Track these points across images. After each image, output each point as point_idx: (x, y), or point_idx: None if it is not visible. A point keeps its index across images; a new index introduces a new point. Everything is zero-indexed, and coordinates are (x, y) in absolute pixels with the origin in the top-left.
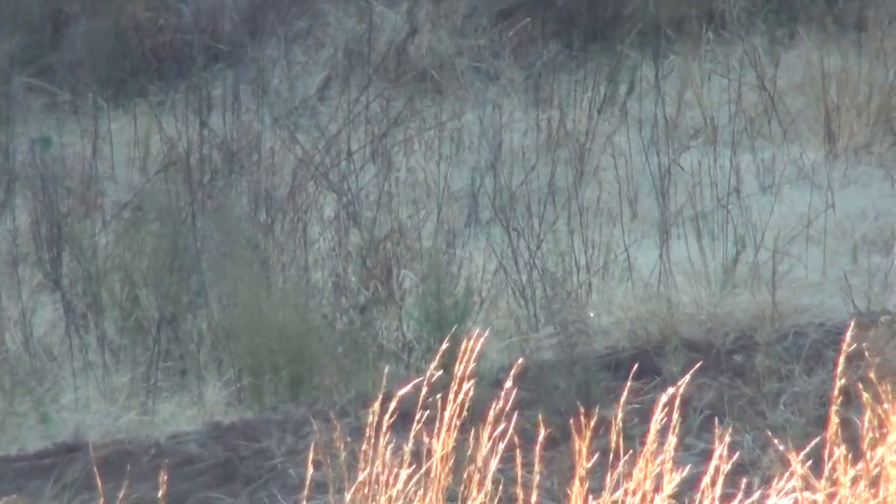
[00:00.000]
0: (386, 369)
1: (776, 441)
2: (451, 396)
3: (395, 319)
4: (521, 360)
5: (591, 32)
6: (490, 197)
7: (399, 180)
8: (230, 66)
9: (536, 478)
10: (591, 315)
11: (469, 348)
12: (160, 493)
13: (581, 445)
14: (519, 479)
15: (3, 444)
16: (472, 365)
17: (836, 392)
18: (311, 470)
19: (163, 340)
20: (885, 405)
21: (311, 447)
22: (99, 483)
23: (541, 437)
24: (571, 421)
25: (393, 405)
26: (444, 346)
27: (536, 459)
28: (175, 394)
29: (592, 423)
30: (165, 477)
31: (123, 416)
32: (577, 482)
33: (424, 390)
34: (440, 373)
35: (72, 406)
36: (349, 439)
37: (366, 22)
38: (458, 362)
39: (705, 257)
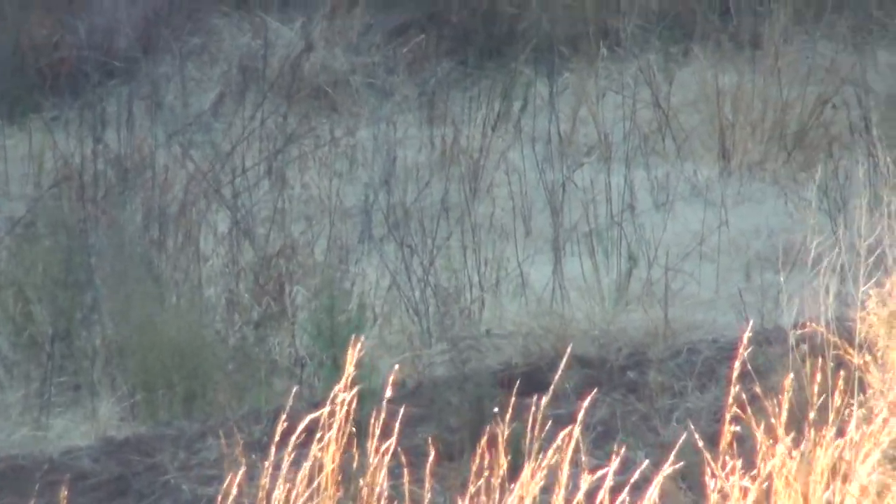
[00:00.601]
0: (295, 388)
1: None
2: (337, 409)
3: (288, 335)
4: (412, 376)
5: (485, 49)
6: (384, 213)
7: (293, 197)
8: (125, 83)
9: (427, 494)
10: (485, 331)
11: (353, 355)
12: None
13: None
14: (406, 495)
15: None
16: (354, 372)
17: (728, 405)
18: (234, 491)
19: (56, 356)
20: (772, 420)
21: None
22: None
23: (431, 454)
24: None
25: (302, 426)
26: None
27: (427, 475)
28: (69, 409)
29: (484, 440)
30: (66, 492)
31: (17, 432)
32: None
33: (329, 408)
34: (339, 385)
35: None
36: (251, 455)
37: (260, 38)
38: (343, 374)
39: (599, 274)
